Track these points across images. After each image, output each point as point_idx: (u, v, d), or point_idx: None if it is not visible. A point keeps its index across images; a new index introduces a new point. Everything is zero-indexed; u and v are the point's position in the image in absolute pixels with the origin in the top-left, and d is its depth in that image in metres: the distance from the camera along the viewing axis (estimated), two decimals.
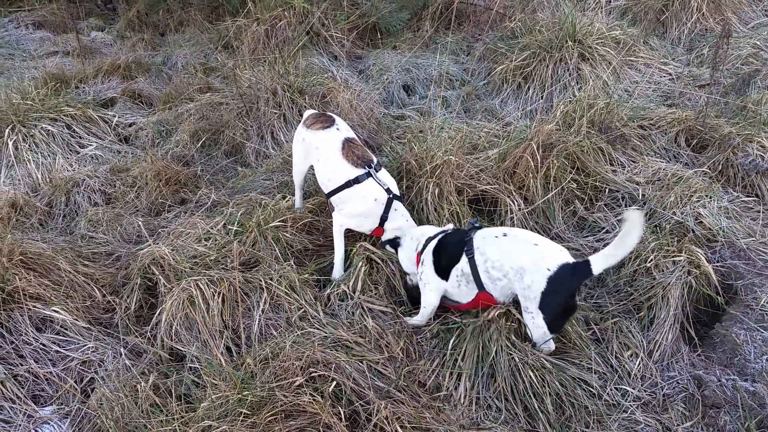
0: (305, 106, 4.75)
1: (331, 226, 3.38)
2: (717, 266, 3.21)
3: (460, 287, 2.85)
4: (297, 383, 2.35)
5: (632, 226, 2.48)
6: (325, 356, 2.46)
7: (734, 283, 3.19)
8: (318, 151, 3.41)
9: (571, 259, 2.60)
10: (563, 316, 2.70)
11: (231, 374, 2.32)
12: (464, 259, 2.79)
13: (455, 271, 2.83)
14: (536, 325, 2.64)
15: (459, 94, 5.45)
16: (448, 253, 2.88)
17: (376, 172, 3.28)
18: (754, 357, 2.77)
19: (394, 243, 3.24)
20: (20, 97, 4.87)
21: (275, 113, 4.75)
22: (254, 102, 4.79)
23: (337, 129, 3.42)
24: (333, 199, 3.38)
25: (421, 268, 3.00)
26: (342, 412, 2.32)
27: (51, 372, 2.80)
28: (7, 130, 4.61)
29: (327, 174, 3.36)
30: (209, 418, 2.21)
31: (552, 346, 2.72)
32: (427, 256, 2.97)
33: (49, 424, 2.63)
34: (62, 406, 2.70)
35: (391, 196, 3.23)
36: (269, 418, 2.23)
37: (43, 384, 2.79)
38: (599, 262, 2.54)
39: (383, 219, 3.25)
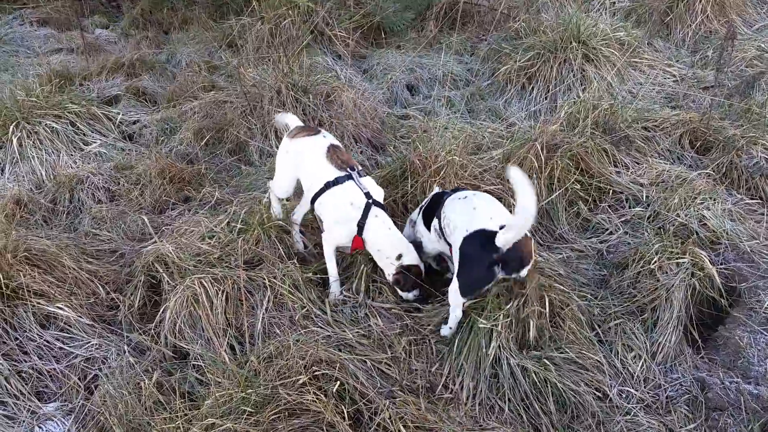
0: (309, 105, 4.76)
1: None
2: (720, 269, 3.21)
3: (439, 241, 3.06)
4: (300, 382, 2.36)
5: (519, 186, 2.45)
6: (328, 355, 2.46)
7: (737, 285, 3.19)
8: (302, 157, 3.34)
9: (495, 228, 2.60)
10: (475, 284, 2.72)
11: (235, 372, 2.32)
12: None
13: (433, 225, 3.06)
14: (452, 286, 2.78)
15: (463, 94, 5.45)
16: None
17: (359, 177, 3.17)
18: (758, 360, 2.76)
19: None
20: (24, 94, 4.87)
21: (279, 112, 4.74)
22: (258, 101, 4.79)
23: (323, 136, 3.37)
24: (316, 208, 3.26)
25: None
26: (345, 412, 2.32)
27: (55, 369, 2.81)
28: (11, 127, 4.61)
29: (310, 179, 3.27)
30: (213, 415, 2.21)
31: (458, 313, 2.82)
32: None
33: (52, 420, 2.64)
34: (66, 403, 2.71)
35: (370, 201, 3.08)
36: (273, 417, 2.24)
37: (47, 380, 2.79)
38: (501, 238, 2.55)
39: (360, 226, 3.07)
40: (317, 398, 2.27)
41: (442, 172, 3.68)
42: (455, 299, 2.78)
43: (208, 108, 5.06)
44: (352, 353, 2.70)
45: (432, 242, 3.17)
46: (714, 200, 3.59)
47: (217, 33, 6.96)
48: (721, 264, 3.28)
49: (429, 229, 3.14)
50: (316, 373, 2.41)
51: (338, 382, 2.33)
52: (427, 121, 4.55)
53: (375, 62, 6.11)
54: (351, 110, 4.66)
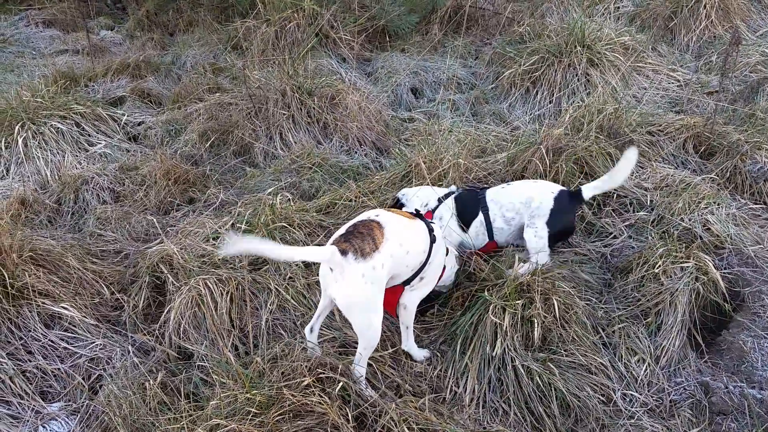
0: (314, 108, 4.77)
1: None
2: (724, 273, 3.21)
3: (477, 236, 3.36)
4: (305, 383, 2.36)
5: (626, 164, 3.19)
6: (332, 359, 2.47)
7: (741, 290, 3.18)
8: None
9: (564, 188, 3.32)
10: (563, 233, 3.35)
11: (240, 373, 2.33)
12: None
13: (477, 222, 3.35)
14: (539, 236, 3.20)
15: (467, 97, 5.46)
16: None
17: None
18: (762, 364, 2.76)
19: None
20: (30, 95, 4.90)
21: (284, 114, 4.76)
22: (263, 103, 4.81)
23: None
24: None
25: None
26: (350, 414, 2.32)
27: (59, 368, 2.82)
28: (17, 128, 4.63)
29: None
30: (218, 416, 2.22)
31: (547, 258, 3.22)
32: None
33: (56, 420, 2.64)
34: (70, 403, 2.71)
35: None
36: (277, 418, 2.24)
37: (51, 380, 2.80)
38: (588, 191, 3.25)
39: None
40: (322, 400, 2.27)
41: (447, 175, 3.69)
42: (542, 246, 3.21)
43: (213, 110, 5.08)
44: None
45: (473, 238, 3.37)
46: (718, 205, 3.59)
47: (222, 35, 7.00)
48: (725, 269, 3.28)
49: (465, 230, 3.37)
50: (321, 375, 2.41)
51: (340, 384, 2.33)
52: (431, 125, 4.56)
53: (380, 65, 6.13)
54: (356, 113, 4.68)
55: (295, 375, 2.38)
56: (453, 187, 3.49)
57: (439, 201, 3.39)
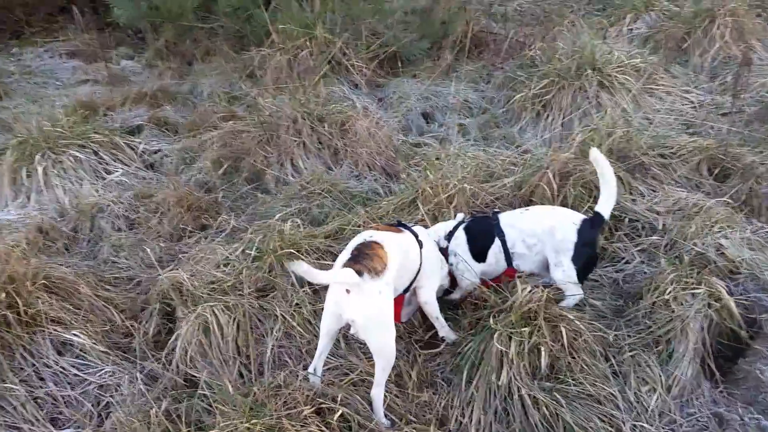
0: (324, 134, 4.82)
1: None
2: (740, 299, 3.13)
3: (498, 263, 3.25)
4: (305, 414, 2.36)
5: (599, 164, 3.16)
6: (333, 389, 2.46)
7: (758, 317, 3.10)
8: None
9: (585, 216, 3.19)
10: (590, 265, 3.21)
11: (240, 402, 2.33)
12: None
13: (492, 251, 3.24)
14: (567, 275, 3.06)
15: (477, 122, 5.48)
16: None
17: None
18: None
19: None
20: (50, 125, 5.03)
21: (295, 141, 4.82)
22: (275, 130, 4.88)
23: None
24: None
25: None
26: None
27: (69, 395, 2.85)
28: (37, 157, 4.76)
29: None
30: None
31: (581, 292, 3.12)
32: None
33: None
34: (79, 429, 2.74)
35: None
36: None
37: (62, 407, 2.83)
38: (605, 209, 3.15)
39: None
40: (320, 430, 2.26)
41: (454, 201, 3.69)
42: (573, 282, 3.08)
43: (226, 137, 5.15)
44: (359, 385, 2.69)
45: (487, 269, 3.27)
46: (732, 228, 3.52)
47: (238, 64, 7.13)
48: (741, 294, 3.21)
49: (481, 260, 3.25)
50: (322, 405, 2.40)
51: (339, 413, 2.32)
52: (439, 149, 4.58)
53: (391, 91, 6.18)
54: (365, 138, 4.72)
55: (295, 404, 2.38)
56: (460, 216, 3.45)
57: (450, 235, 3.29)
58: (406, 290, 2.95)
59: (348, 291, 2.45)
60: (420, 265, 2.93)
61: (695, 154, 4.30)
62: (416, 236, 2.98)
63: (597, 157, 3.15)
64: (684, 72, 5.97)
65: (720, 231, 3.51)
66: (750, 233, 3.55)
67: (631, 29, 6.94)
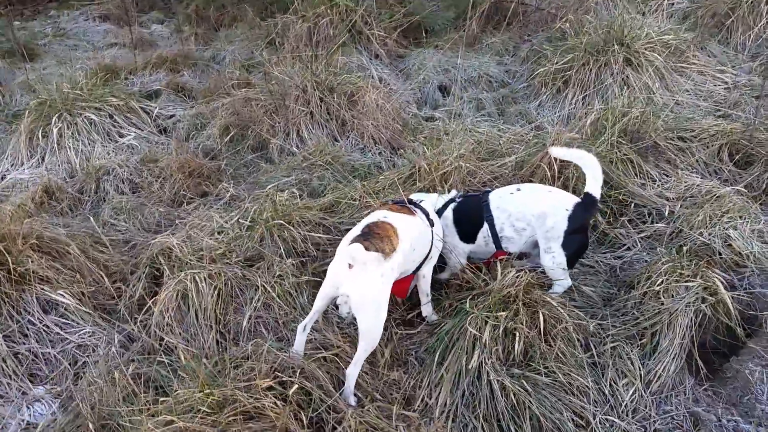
0: (333, 105, 4.75)
1: None
2: (741, 295, 2.95)
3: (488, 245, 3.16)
4: (265, 385, 2.34)
5: (569, 157, 3.07)
6: (293, 362, 2.44)
7: (759, 314, 2.91)
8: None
9: (578, 199, 3.01)
10: (580, 251, 3.08)
11: (197, 371, 2.34)
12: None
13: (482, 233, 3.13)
14: (557, 262, 2.96)
15: (495, 97, 5.29)
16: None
17: None
18: (767, 397, 2.52)
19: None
20: (70, 87, 5.13)
21: (303, 111, 4.77)
22: (283, 98, 4.83)
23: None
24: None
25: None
26: (304, 418, 2.29)
27: (49, 353, 2.93)
28: (54, 118, 4.87)
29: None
30: (171, 413, 2.23)
31: (569, 281, 3.03)
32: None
33: (40, 402, 2.75)
34: (55, 386, 2.82)
35: None
36: (230, 419, 2.23)
37: (41, 364, 2.91)
38: (595, 190, 2.96)
39: None
40: (275, 403, 2.24)
41: (450, 179, 3.58)
42: (562, 269, 2.99)
43: (237, 105, 5.14)
44: (328, 360, 2.66)
45: (476, 250, 3.20)
46: (742, 218, 3.30)
47: (262, 31, 7.09)
48: (744, 289, 3.02)
49: (470, 241, 3.17)
50: (282, 379, 2.38)
51: (295, 386, 2.29)
52: (446, 125, 4.44)
53: (413, 62, 6.03)
54: (373, 110, 4.62)
55: (255, 376, 2.37)
56: (453, 192, 3.32)
57: (440, 213, 3.18)
58: (416, 270, 2.91)
59: (350, 266, 2.41)
60: (431, 244, 2.90)
61: (717, 139, 4.04)
62: (427, 215, 2.94)
63: (559, 153, 3.12)
64: (723, 50, 5.59)
65: (730, 221, 3.30)
66: (763, 225, 3.32)
67: (672, 3, 6.53)
